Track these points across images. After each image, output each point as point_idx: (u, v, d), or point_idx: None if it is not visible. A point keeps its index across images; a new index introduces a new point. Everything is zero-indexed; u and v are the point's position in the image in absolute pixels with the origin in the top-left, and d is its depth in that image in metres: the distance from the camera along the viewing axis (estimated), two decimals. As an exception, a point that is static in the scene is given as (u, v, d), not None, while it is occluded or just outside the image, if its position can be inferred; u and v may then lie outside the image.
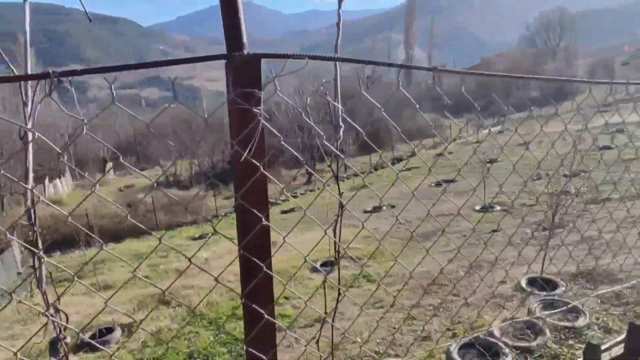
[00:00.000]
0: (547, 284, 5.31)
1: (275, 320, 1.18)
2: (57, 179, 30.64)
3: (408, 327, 5.13)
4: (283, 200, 21.47)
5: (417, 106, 1.49)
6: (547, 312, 4.42)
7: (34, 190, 1.12)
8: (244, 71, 1.04)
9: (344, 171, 28.72)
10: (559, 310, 4.44)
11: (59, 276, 12.10)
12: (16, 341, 6.78)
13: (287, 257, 8.15)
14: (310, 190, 25.01)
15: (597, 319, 4.44)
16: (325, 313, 1.50)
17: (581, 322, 4.29)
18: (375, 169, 25.99)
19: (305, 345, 1.44)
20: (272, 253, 1.15)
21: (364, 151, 28.93)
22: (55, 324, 1.10)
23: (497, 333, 4.18)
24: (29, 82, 1.19)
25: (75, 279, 0.94)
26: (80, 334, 6.35)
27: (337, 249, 1.46)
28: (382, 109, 1.40)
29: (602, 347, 1.68)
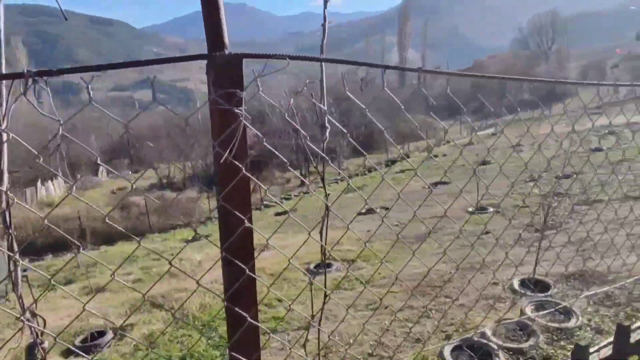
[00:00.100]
0: (539, 285, 5.33)
1: (258, 324, 1.16)
2: (50, 181, 30.43)
3: (401, 329, 5.12)
4: (276, 203, 21.43)
5: (403, 107, 1.48)
6: (538, 313, 4.44)
7: (8, 192, 1.10)
8: (226, 71, 1.03)
9: (338, 174, 28.73)
10: (551, 311, 4.46)
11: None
12: None
13: (281, 260, 8.12)
14: (305, 193, 24.97)
15: (589, 320, 4.46)
16: (312, 316, 1.48)
17: (573, 323, 4.31)
18: (369, 171, 26.02)
19: (290, 349, 1.42)
20: (255, 255, 1.14)
21: (358, 153, 28.95)
22: (32, 328, 1.08)
23: (489, 334, 4.19)
24: (3, 81, 1.17)
25: (51, 282, 0.93)
26: (72, 338, 6.16)
27: (323, 252, 1.45)
28: (367, 110, 1.39)
29: (594, 348, 1.68)
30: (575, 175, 10.02)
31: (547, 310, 4.46)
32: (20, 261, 1.07)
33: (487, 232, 8.29)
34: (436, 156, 25.65)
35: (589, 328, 4.30)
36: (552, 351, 3.96)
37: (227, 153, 1.01)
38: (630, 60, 60.59)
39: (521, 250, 6.94)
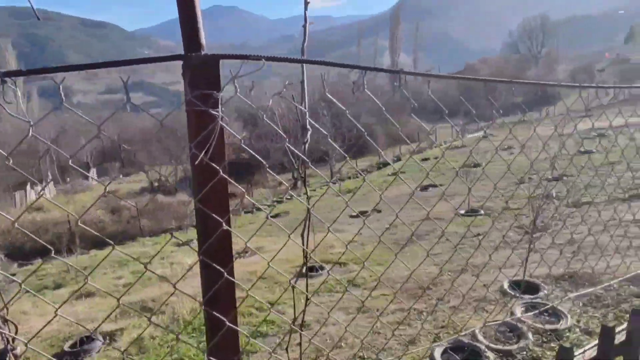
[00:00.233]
0: (530, 287, 5.35)
1: (237, 328, 1.15)
2: (39, 185, 30.16)
3: (393, 331, 5.11)
4: (269, 205, 21.42)
5: (384, 109, 1.48)
6: (529, 315, 4.46)
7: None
8: (202, 72, 1.01)
9: (331, 176, 28.76)
10: (541, 312, 4.48)
11: (39, 284, 11.88)
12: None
13: (274, 263, 8.08)
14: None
15: (578, 321, 4.48)
16: (294, 320, 1.47)
17: (563, 324, 4.33)
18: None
19: (271, 353, 1.41)
20: (229, 258, 1.12)
21: (350, 156, 29.02)
22: (3, 335, 1.06)
23: (480, 336, 4.20)
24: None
25: (22, 286, 0.90)
26: (61, 343, 6.07)
27: (305, 254, 1.44)
28: (348, 111, 1.39)
29: (579, 350, 1.68)
30: (565, 177, 10.12)
31: (537, 310, 4.48)
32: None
33: (478, 234, 8.34)
34: (427, 159, 25.76)
35: (577, 329, 4.32)
36: (542, 353, 3.97)
37: (202, 154, 1.00)
38: (618, 63, 61.38)
39: (511, 252, 6.97)
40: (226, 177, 1.07)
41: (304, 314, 1.49)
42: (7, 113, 0.84)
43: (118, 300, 1.15)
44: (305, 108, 1.26)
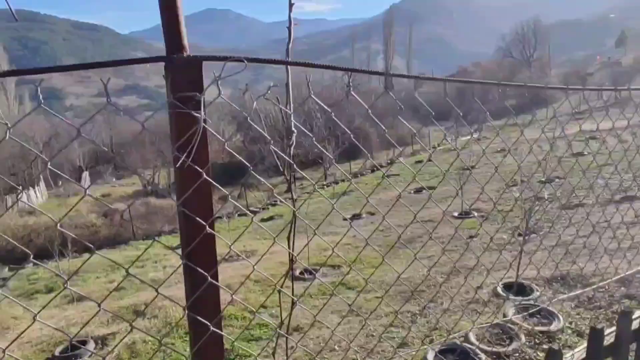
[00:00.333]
0: (523, 289, 5.37)
1: (222, 333, 1.14)
2: (31, 189, 29.96)
3: (386, 334, 5.11)
4: (262, 209, 21.42)
5: (370, 111, 1.48)
6: (521, 317, 4.47)
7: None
8: (184, 74, 1.01)
9: (324, 179, 28.75)
10: (533, 314, 4.50)
11: (30, 288, 11.77)
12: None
13: (269, 265, 8.08)
14: (290, 198, 24.87)
15: (571, 322, 4.51)
16: (280, 325, 1.46)
17: (555, 326, 4.35)
18: (355, 176, 26.08)
19: (256, 358, 1.40)
20: (218, 262, 1.11)
21: (344, 158, 29.00)
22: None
23: (473, 339, 4.20)
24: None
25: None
26: (52, 348, 6.03)
27: (290, 258, 1.43)
28: (333, 113, 1.39)
29: (569, 352, 1.69)
30: (557, 179, 10.14)
31: (530, 311, 4.49)
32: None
33: (471, 237, 8.37)
34: (420, 161, 25.81)
35: (570, 331, 4.34)
36: (535, 354, 3.99)
37: (184, 157, 0.99)
38: (609, 67, 61.94)
39: (505, 254, 7.00)
40: (210, 180, 1.06)
41: (289, 319, 1.49)
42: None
43: (99, 304, 1.13)
44: (290, 110, 1.26)
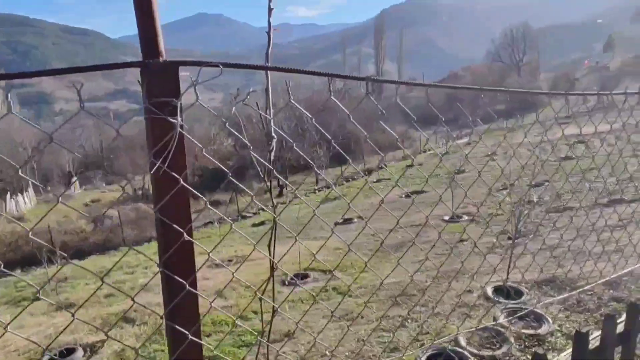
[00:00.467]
0: (512, 292, 5.39)
1: (201, 341, 1.12)
2: (20, 194, 29.63)
3: (376, 339, 5.10)
4: (254, 214, 21.36)
5: (350, 116, 1.48)
6: (511, 320, 4.48)
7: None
8: (160, 79, 1.00)
9: (316, 183, 28.76)
10: (523, 317, 4.51)
11: (17, 296, 11.61)
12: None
13: (260, 271, 8.03)
14: (282, 203, 24.87)
15: (560, 326, 4.53)
16: (262, 332, 1.45)
17: (544, 329, 4.36)
18: (347, 180, 26.10)
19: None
20: (196, 269, 1.09)
21: (335, 162, 29.05)
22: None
23: (463, 342, 4.21)
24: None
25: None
26: (47, 352, 5.94)
27: (271, 264, 1.42)
28: (312, 118, 1.39)
29: (557, 356, 1.69)
30: (547, 183, 10.24)
31: (518, 314, 4.51)
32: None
33: (461, 240, 8.39)
34: (411, 166, 25.91)
35: (559, 334, 4.36)
36: (524, 358, 4.00)
37: (160, 162, 0.98)
38: (597, 71, 62.75)
39: (494, 257, 7.03)
40: (187, 186, 1.05)
41: (270, 326, 1.48)
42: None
43: (73, 315, 1.12)
44: (270, 116, 1.25)
